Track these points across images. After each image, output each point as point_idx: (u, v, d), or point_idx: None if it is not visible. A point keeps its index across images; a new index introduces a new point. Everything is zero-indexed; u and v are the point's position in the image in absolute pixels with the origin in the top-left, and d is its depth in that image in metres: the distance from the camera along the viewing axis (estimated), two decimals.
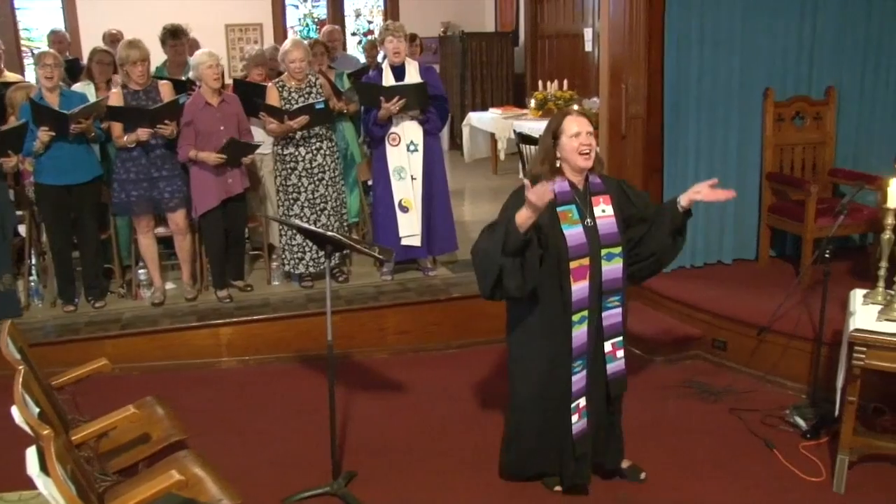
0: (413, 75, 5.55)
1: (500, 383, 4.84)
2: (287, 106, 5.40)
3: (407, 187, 5.60)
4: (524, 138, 6.76)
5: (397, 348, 5.37)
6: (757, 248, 5.87)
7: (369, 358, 5.28)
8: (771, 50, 5.65)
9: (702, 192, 3.38)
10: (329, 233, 3.53)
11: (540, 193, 2.99)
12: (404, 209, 5.61)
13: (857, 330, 3.56)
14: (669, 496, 3.70)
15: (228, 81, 6.70)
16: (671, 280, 5.49)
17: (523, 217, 3.07)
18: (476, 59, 11.48)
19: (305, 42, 5.84)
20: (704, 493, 3.71)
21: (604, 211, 3.42)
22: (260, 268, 6.11)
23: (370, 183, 6.45)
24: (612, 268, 3.41)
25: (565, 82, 9.31)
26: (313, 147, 5.51)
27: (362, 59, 8.36)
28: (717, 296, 5.21)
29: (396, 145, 5.57)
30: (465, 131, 9.69)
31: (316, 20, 11.98)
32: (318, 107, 5.37)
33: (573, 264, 3.32)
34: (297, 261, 5.63)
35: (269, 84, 5.59)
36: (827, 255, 4.16)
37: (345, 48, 10.70)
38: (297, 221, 5.32)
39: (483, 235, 3.35)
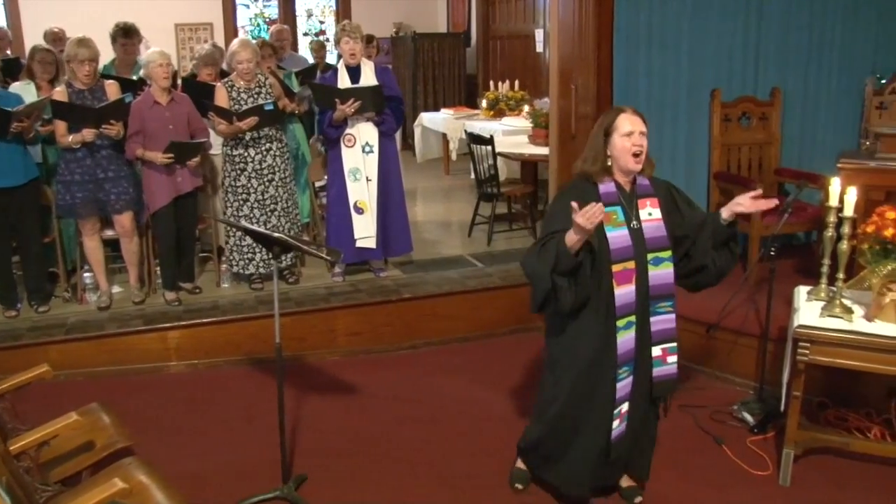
0: (369, 76, 5.51)
1: (451, 383, 4.87)
2: (236, 107, 5.33)
3: (362, 189, 5.56)
4: (475, 138, 6.76)
5: (349, 350, 5.33)
6: None
7: (321, 360, 5.23)
8: (717, 51, 5.73)
9: (744, 203, 3.22)
10: (276, 234, 3.48)
11: (589, 216, 2.84)
12: (359, 211, 5.57)
13: (801, 326, 3.62)
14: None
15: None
16: None
17: (573, 240, 2.94)
18: (428, 59, 11.48)
19: (254, 42, 5.76)
20: (654, 489, 3.72)
21: (650, 214, 3.26)
22: (210, 270, 6.03)
23: (318, 184, 6.41)
24: (661, 272, 3.25)
25: (517, 83, 9.34)
26: (263, 148, 5.45)
27: (311, 59, 8.29)
28: None
29: (352, 147, 5.53)
30: (417, 132, 9.68)
31: (267, 20, 11.87)
32: (267, 108, 5.31)
33: (616, 268, 3.15)
34: (246, 262, 5.57)
35: (218, 84, 5.51)
36: (772, 253, 4.24)
37: (296, 48, 10.64)
38: (244, 223, 5.25)
39: (532, 252, 3.18)
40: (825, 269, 3.92)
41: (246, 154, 5.41)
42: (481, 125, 8.25)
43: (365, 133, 5.52)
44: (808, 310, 3.77)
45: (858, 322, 3.59)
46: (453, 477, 3.87)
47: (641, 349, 3.30)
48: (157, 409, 4.61)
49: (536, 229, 6.77)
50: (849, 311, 3.66)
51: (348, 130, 5.49)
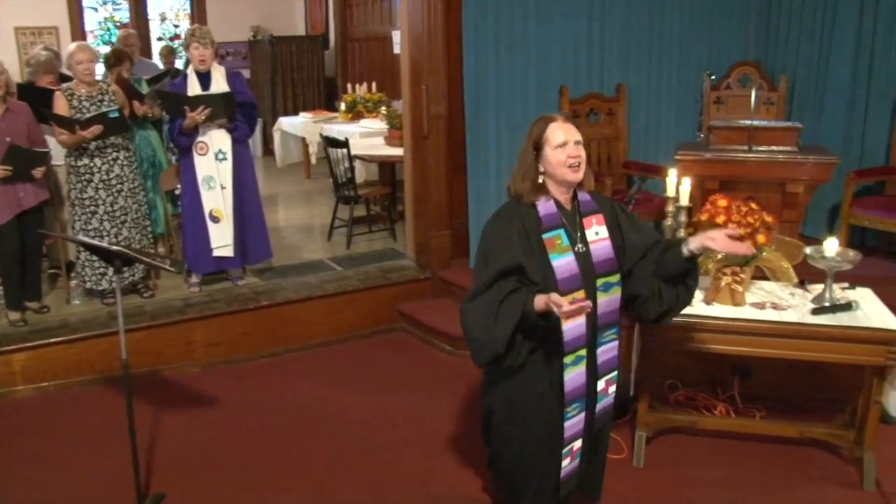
0: (219, 82, 5.39)
1: (311, 390, 4.84)
2: (78, 115, 5.09)
3: (217, 197, 5.43)
4: (330, 142, 6.72)
5: (207, 361, 5.20)
6: None
7: (179, 373, 5.09)
8: (563, 50, 5.93)
9: (717, 240, 2.89)
10: (114, 247, 3.36)
11: (571, 313, 2.62)
12: (215, 219, 5.44)
13: None
14: (474, 485, 3.80)
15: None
16: None
17: (540, 308, 2.69)
18: (287, 62, 11.33)
19: (100, 48, 5.54)
20: None
21: (597, 234, 2.90)
22: (59, 287, 5.75)
23: (177, 192, 6.23)
24: (610, 299, 2.90)
25: (374, 85, 9.36)
26: (110, 157, 5.24)
27: (162, 66, 8.04)
28: None
29: (204, 154, 5.39)
30: (277, 136, 9.54)
31: (117, 24, 11.40)
32: (111, 115, 5.10)
33: (564, 300, 2.70)
34: (99, 277, 5.33)
35: (57, 92, 5.26)
36: None
37: (149, 53, 10.29)
38: (81, 237, 5.02)
39: (482, 306, 2.81)
40: None
41: (91, 164, 5.19)
42: (339, 128, 8.23)
43: (217, 140, 5.40)
44: None
45: (698, 306, 3.76)
46: (316, 483, 3.85)
47: (590, 382, 2.98)
48: (3, 437, 4.37)
49: (395, 231, 6.81)
50: None
51: (200, 138, 5.36)
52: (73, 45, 5.26)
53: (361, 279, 5.79)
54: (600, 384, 3.01)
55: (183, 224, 5.62)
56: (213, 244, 5.46)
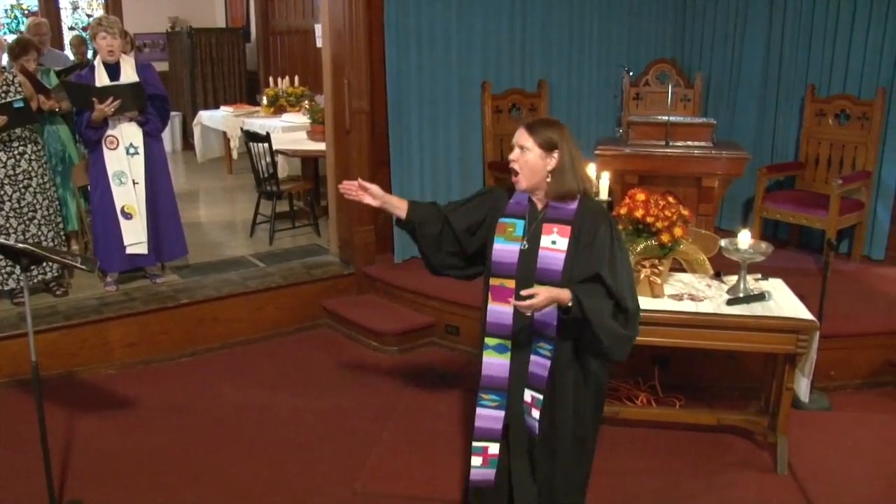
0: (129, 73, 5.23)
1: (234, 389, 4.76)
2: None
3: (129, 193, 5.27)
4: (251, 136, 6.61)
5: (125, 362, 5.06)
6: None
7: (95, 375, 4.94)
8: (485, 47, 5.98)
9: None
10: (19, 244, 3.22)
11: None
12: (127, 216, 5.28)
13: None
14: (400, 482, 3.80)
15: None
16: (404, 271, 5.66)
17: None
18: (206, 55, 11.09)
19: (6, 38, 5.32)
20: (438, 473, 3.83)
21: (553, 243, 2.83)
22: None
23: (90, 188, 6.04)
24: (546, 308, 2.76)
25: (296, 79, 9.25)
26: (16, 151, 5.04)
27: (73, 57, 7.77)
28: (448, 283, 5.35)
29: (115, 149, 5.23)
30: (197, 130, 9.34)
31: (26, 12, 10.97)
32: (16, 105, 4.89)
33: (493, 282, 2.87)
34: (6, 276, 5.13)
35: None
36: None
37: (60, 44, 9.94)
38: None
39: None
40: None
41: None
42: (261, 122, 8.10)
43: (128, 134, 5.24)
44: None
45: None
46: (239, 486, 3.78)
47: (514, 385, 2.94)
48: None
49: (319, 226, 6.74)
50: None
51: (110, 132, 5.19)
52: None
53: (284, 276, 5.71)
54: (527, 395, 2.92)
55: (93, 221, 5.45)
56: (126, 241, 5.29)
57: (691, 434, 4.13)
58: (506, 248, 2.88)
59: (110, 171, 5.23)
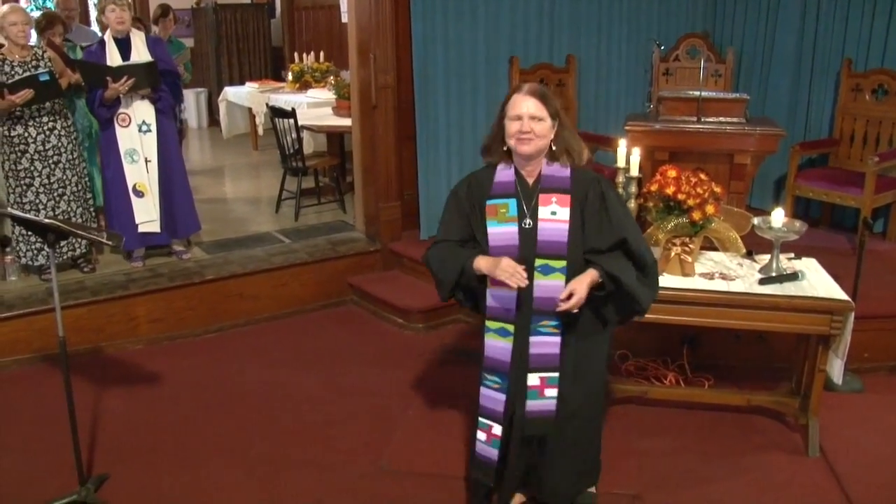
0: (140, 48, 5.18)
1: (258, 366, 4.77)
2: (7, 80, 4.88)
3: (141, 171, 5.25)
4: (277, 112, 6.58)
5: (151, 338, 5.08)
6: None
7: (121, 350, 4.96)
8: (513, 20, 5.88)
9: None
10: (46, 220, 3.22)
11: (511, 276, 2.66)
12: (139, 194, 5.26)
13: None
14: (424, 459, 3.77)
15: None
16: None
17: (480, 269, 2.76)
18: (231, 31, 11.08)
19: (34, 14, 5.30)
20: (463, 451, 3.79)
21: (554, 213, 2.77)
22: None
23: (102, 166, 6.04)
24: (549, 284, 2.76)
25: (322, 54, 9.20)
26: (45, 127, 5.04)
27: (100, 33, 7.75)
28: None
29: (127, 126, 5.20)
30: (222, 107, 9.34)
31: None
32: (42, 78, 4.86)
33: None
34: (35, 252, 5.15)
35: None
36: None
37: (87, 20, 9.94)
38: (10, 210, 4.83)
39: (438, 252, 2.93)
40: None
41: (26, 134, 4.99)
42: (286, 98, 8.06)
43: (140, 112, 5.21)
44: None
45: None
46: (262, 462, 3.78)
47: (517, 368, 2.91)
48: None
49: (345, 202, 6.71)
50: None
51: (122, 109, 5.16)
52: (5, 7, 5.02)
53: (310, 252, 5.69)
54: (533, 378, 2.89)
55: (105, 199, 5.44)
56: (138, 219, 5.29)
57: (720, 415, 4.07)
58: (501, 231, 2.80)
59: (122, 148, 5.22)
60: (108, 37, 5.18)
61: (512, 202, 2.81)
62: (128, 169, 5.23)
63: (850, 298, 3.57)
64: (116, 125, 5.19)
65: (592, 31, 6.33)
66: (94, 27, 8.63)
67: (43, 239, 3.27)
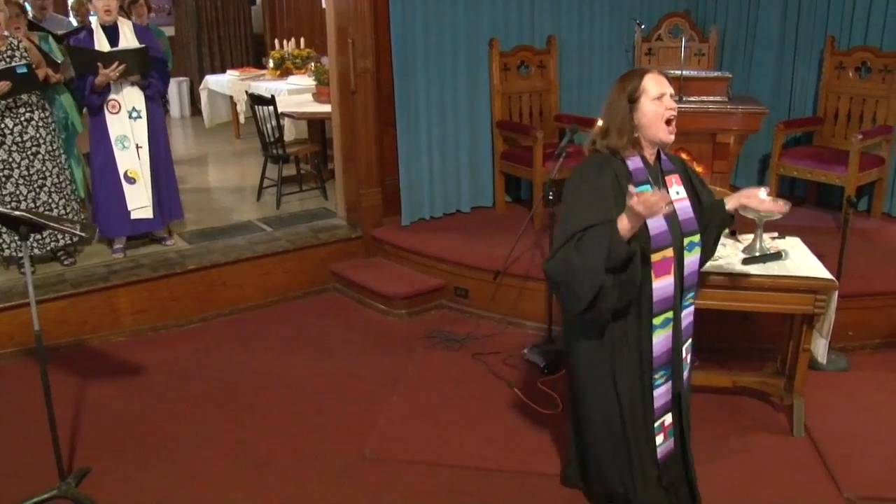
0: (128, 35, 5.14)
1: (243, 354, 4.74)
2: None
3: (132, 157, 5.20)
4: (256, 99, 6.52)
5: (134, 329, 5.03)
6: (493, 195, 6.07)
7: (104, 342, 4.91)
8: (493, 2, 5.81)
9: (752, 199, 3.03)
10: (16, 212, 3.16)
11: (651, 204, 2.49)
12: (130, 180, 5.22)
13: None
14: (408, 447, 3.75)
15: None
16: (412, 233, 5.58)
17: (626, 229, 2.59)
18: (212, 18, 10.97)
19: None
20: (447, 438, 3.79)
21: (678, 193, 2.85)
22: None
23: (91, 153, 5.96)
24: (693, 259, 2.88)
25: (302, 40, 9.12)
26: (23, 118, 4.96)
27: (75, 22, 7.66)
28: (457, 245, 5.34)
29: (117, 113, 5.16)
30: (204, 95, 9.26)
31: None
32: (19, 70, 4.80)
33: (655, 257, 2.74)
34: (17, 245, 5.09)
35: None
36: (550, 197, 4.35)
37: (64, 9, 9.81)
38: None
39: (565, 250, 2.67)
40: None
41: (3, 125, 4.91)
42: (266, 85, 7.99)
43: (130, 98, 5.16)
44: None
45: None
46: (248, 451, 3.75)
47: (675, 349, 2.93)
48: None
49: (327, 189, 6.65)
50: None
51: (112, 95, 5.12)
52: None
53: (292, 240, 5.64)
54: (685, 351, 2.98)
55: (94, 186, 5.38)
56: (130, 206, 5.24)
57: (705, 396, 4.04)
58: (655, 218, 2.69)
59: (113, 135, 5.17)
60: (95, 25, 5.13)
61: (648, 189, 2.71)
62: (119, 155, 5.19)
63: (833, 277, 3.55)
64: (106, 112, 5.15)
65: (573, 11, 6.27)
66: (71, 17, 8.51)
67: (15, 232, 3.21)
